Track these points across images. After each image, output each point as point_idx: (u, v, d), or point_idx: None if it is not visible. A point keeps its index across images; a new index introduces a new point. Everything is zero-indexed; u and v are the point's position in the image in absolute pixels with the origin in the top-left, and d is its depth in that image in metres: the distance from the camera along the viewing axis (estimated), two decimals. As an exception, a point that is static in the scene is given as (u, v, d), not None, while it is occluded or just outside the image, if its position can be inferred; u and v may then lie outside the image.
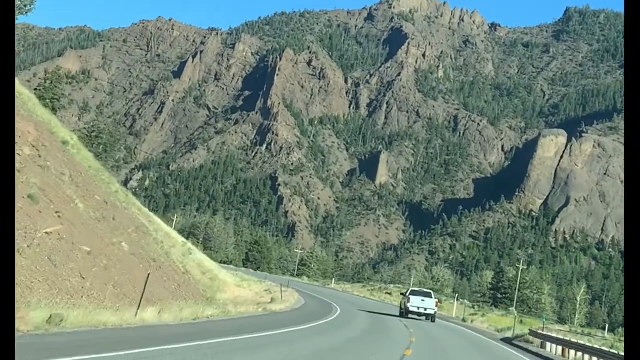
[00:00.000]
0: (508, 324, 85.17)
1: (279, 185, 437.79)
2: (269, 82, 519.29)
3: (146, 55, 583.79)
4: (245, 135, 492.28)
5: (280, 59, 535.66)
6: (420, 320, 70.15)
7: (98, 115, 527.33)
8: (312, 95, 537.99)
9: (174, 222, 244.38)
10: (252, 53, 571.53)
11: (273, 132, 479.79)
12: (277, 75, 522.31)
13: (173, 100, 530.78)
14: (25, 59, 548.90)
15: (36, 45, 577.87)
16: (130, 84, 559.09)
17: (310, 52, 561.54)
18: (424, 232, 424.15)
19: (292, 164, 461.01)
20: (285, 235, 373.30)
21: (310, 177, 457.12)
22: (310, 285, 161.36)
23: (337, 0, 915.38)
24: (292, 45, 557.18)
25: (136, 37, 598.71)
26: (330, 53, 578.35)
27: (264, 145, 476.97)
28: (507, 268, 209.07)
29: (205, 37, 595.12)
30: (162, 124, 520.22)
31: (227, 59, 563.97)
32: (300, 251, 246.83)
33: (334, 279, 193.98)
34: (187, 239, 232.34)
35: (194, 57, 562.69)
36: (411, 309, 70.97)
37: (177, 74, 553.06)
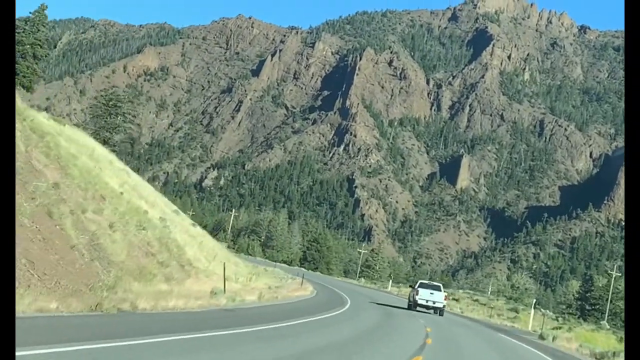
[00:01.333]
0: (604, 342, 65.57)
1: (356, 187, 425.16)
2: (348, 81, 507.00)
3: (225, 53, 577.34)
4: (323, 136, 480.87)
5: (361, 59, 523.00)
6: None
7: (175, 113, 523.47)
8: (392, 96, 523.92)
9: (231, 218, 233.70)
10: (331, 52, 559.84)
11: (351, 133, 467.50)
12: (357, 74, 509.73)
13: (251, 99, 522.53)
14: (105, 55, 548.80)
15: (116, 41, 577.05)
16: (209, 81, 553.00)
17: (391, 52, 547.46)
18: (506, 239, 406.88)
19: (370, 165, 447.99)
20: (362, 239, 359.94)
21: (389, 179, 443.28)
22: (364, 288, 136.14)
23: (420, 0, 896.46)
24: (372, 45, 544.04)
25: (216, 35, 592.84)
26: (412, 53, 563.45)
27: (342, 146, 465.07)
28: (596, 276, 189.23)
29: (285, 35, 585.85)
30: (239, 123, 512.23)
31: (307, 58, 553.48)
32: (363, 251, 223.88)
33: (391, 281, 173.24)
34: (248, 237, 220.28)
35: (273, 56, 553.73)
36: (419, 301, 69.29)
37: (256, 73, 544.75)
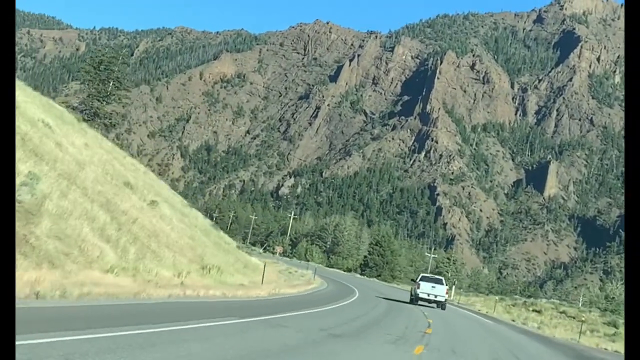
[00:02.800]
0: None
1: (438, 195, 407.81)
2: (429, 86, 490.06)
3: (302, 59, 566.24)
4: (403, 142, 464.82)
5: (441, 62, 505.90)
6: None
7: (252, 120, 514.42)
8: (475, 101, 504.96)
9: (290, 220, 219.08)
10: (411, 56, 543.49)
11: (432, 139, 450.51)
12: (438, 79, 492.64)
13: (328, 105, 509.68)
14: (181, 62, 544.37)
15: (193, 48, 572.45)
16: (286, 88, 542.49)
17: (473, 55, 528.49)
18: (598, 249, 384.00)
19: (452, 172, 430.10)
20: (444, 249, 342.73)
21: (472, 187, 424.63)
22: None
23: (503, 2, 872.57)
24: (454, 48, 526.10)
25: (293, 41, 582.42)
26: (496, 57, 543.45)
27: (423, 153, 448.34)
28: None
29: (363, 40, 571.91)
30: (317, 130, 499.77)
31: (386, 63, 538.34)
32: (433, 255, 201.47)
33: (454, 287, 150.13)
34: (312, 243, 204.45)
35: (351, 61, 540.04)
36: (421, 295, 69.61)
37: (334, 78, 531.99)
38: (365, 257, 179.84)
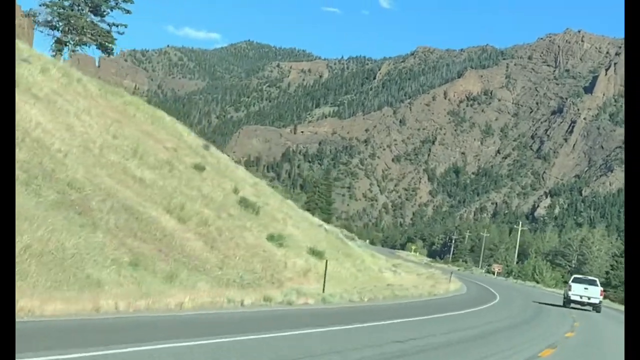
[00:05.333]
0: None
1: None
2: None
3: (554, 71, 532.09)
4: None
5: None
6: None
7: (502, 139, 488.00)
8: None
9: (518, 235, 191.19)
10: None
11: None
12: None
13: (585, 119, 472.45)
14: (424, 82, 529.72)
15: (436, 67, 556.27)
16: (537, 103, 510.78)
17: None
18: None
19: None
20: None
21: None
22: None
23: None
24: None
25: (542, 53, 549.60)
26: None
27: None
28: None
29: (620, 47, 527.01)
30: (573, 145, 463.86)
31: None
32: None
33: None
34: (554, 266, 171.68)
35: (607, 70, 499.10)
36: (573, 297, 65.75)
37: (589, 90, 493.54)
38: (607, 273, 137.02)
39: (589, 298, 66.18)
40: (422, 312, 35.05)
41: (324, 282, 37.67)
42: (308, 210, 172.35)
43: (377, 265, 72.39)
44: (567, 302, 66.85)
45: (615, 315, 72.69)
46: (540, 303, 67.93)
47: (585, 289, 66.92)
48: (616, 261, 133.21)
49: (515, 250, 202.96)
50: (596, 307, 66.17)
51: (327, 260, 40.76)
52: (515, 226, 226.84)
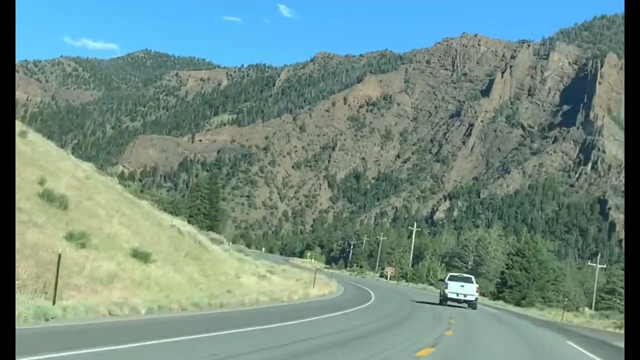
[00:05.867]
0: None
1: (610, 209, 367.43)
2: (590, 92, 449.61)
3: (451, 75, 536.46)
4: (566, 155, 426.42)
5: (602, 66, 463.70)
6: None
7: (402, 143, 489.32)
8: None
9: (413, 235, 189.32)
10: (569, 62, 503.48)
11: (599, 149, 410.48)
12: (600, 84, 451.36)
13: (482, 121, 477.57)
14: (324, 88, 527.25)
15: (336, 73, 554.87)
16: (436, 107, 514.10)
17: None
18: None
19: (624, 184, 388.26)
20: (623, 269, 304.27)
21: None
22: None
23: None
24: (615, 50, 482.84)
25: (440, 57, 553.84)
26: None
27: (589, 165, 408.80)
28: None
29: (515, 50, 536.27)
30: (472, 148, 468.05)
31: (541, 72, 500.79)
32: (600, 266, 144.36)
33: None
34: (450, 268, 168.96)
35: (503, 73, 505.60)
36: (449, 295, 67.10)
37: (486, 93, 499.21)
38: (502, 273, 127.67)
39: (465, 295, 67.26)
40: (261, 321, 29.59)
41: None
42: (191, 216, 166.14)
43: (237, 270, 67.25)
44: (444, 299, 67.68)
45: (490, 311, 73.25)
46: (417, 302, 67.86)
47: (462, 286, 67.83)
48: (511, 260, 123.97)
49: (410, 253, 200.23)
50: (472, 304, 67.29)
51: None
52: (410, 227, 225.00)
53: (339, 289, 74.86)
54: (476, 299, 68.73)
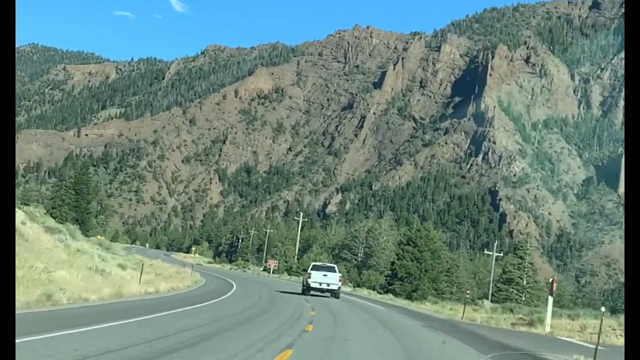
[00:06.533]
0: None
1: (500, 200, 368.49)
2: (481, 84, 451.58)
3: (344, 67, 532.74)
4: (458, 146, 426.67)
5: (493, 58, 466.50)
6: None
7: (294, 136, 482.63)
8: (533, 96, 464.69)
9: (299, 227, 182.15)
10: (460, 54, 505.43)
11: (490, 140, 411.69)
12: (490, 75, 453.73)
13: (374, 114, 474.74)
14: (215, 81, 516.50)
15: (227, 66, 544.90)
16: (328, 99, 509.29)
17: (527, 48, 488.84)
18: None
19: (514, 175, 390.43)
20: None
21: (538, 189, 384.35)
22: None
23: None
24: (505, 42, 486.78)
25: (332, 49, 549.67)
26: (551, 47, 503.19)
27: (480, 156, 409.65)
28: None
29: (407, 42, 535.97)
30: (364, 141, 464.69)
31: (433, 64, 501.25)
32: (496, 254, 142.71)
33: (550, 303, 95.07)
34: (339, 260, 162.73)
35: (395, 65, 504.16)
36: (312, 285, 67.38)
37: (378, 85, 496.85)
38: (392, 264, 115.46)
39: (328, 285, 67.42)
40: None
41: None
42: (54, 207, 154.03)
43: (63, 264, 57.90)
44: (307, 289, 67.89)
45: (351, 299, 73.32)
46: (282, 292, 67.78)
47: (325, 275, 68.06)
48: (402, 249, 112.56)
49: (296, 246, 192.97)
50: (335, 294, 67.61)
51: None
52: (295, 218, 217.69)
53: (201, 282, 70.60)
54: (339, 288, 69.02)
